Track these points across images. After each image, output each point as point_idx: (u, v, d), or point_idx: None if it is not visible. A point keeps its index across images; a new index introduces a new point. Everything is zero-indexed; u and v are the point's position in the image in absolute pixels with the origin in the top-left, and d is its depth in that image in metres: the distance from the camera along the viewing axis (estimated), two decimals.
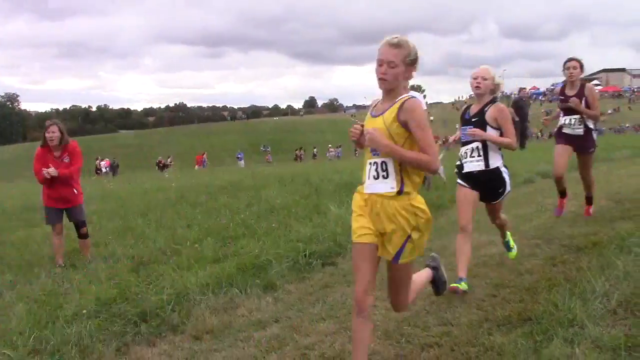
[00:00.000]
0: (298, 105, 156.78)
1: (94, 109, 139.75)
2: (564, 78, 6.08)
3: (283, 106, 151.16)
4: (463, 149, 4.40)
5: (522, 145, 16.67)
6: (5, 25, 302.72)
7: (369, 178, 2.81)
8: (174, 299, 4.08)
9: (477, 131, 4.25)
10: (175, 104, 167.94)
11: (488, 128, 4.24)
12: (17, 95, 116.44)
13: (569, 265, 4.58)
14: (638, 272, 3.99)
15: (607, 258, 4.45)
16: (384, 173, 2.75)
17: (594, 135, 6.04)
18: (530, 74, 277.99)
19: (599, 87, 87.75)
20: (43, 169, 5.66)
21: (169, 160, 38.48)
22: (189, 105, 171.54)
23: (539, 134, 45.07)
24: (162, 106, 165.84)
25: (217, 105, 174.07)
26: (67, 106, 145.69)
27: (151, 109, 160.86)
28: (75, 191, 5.87)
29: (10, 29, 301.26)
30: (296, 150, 45.67)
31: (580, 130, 5.92)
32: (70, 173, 5.76)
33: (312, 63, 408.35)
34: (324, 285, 4.59)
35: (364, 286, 2.71)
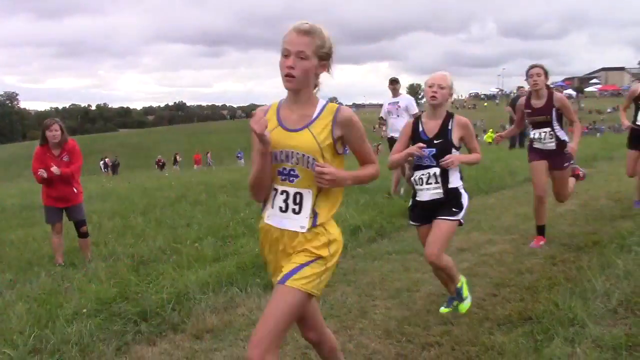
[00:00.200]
0: None
1: (93, 107, 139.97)
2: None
3: None
4: (418, 174, 3.59)
5: (521, 144, 16.70)
6: (4, 24, 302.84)
7: (273, 207, 2.25)
8: (174, 298, 4.07)
9: (455, 160, 3.48)
10: (175, 102, 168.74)
11: (453, 150, 3.53)
12: (17, 94, 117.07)
13: (570, 265, 4.60)
14: (638, 271, 4.00)
15: (607, 257, 4.45)
16: (296, 207, 2.20)
17: (569, 145, 5.29)
18: None
19: (598, 86, 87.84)
20: (46, 168, 5.64)
21: (177, 157, 38.21)
22: (188, 104, 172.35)
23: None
24: (162, 105, 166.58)
25: (217, 104, 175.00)
26: (67, 105, 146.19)
27: (150, 107, 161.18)
28: (75, 190, 5.86)
29: (9, 28, 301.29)
30: None
31: (552, 145, 5.25)
32: (72, 172, 5.75)
33: None
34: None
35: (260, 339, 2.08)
